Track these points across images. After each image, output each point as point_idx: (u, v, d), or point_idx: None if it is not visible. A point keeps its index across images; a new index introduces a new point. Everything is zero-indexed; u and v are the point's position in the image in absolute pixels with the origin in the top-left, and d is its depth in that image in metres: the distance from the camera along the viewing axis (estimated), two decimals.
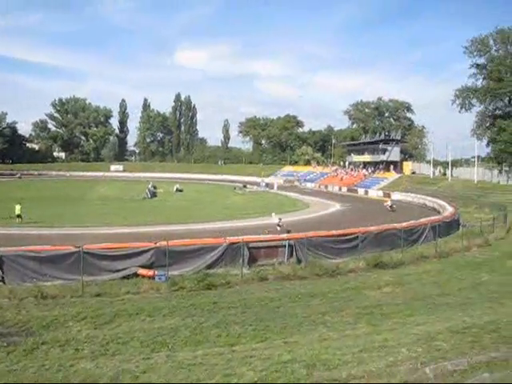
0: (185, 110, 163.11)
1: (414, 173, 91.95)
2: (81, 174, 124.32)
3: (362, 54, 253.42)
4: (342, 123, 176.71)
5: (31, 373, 10.84)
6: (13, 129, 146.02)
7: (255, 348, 12.38)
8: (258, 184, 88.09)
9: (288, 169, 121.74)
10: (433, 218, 35.77)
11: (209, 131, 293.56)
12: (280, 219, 37.82)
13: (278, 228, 35.68)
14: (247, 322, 15.06)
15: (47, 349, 12.70)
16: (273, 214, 41.87)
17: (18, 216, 36.79)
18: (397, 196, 69.83)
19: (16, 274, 19.68)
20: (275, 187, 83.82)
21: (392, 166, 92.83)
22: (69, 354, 12.29)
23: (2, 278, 19.54)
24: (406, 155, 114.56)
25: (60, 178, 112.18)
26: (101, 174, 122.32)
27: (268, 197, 69.48)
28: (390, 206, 55.10)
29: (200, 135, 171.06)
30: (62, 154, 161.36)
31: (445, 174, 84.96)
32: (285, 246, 24.21)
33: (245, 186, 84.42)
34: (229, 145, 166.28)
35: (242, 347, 12.60)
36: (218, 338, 13.58)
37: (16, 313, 16.13)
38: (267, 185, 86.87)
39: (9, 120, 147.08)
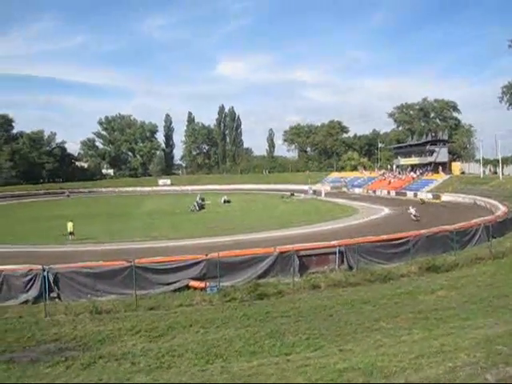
0: (229, 121, 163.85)
1: (463, 173, 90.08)
2: (129, 189, 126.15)
3: (402, 54, 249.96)
4: (387, 126, 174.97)
5: None
6: (62, 148, 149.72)
7: (310, 357, 12.23)
8: (305, 192, 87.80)
9: (335, 175, 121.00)
10: (485, 218, 34.84)
11: (254, 141, 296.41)
12: (416, 210, 45.40)
13: (414, 218, 43.64)
14: (301, 331, 14.97)
15: (104, 363, 12.91)
16: (410, 206, 48.51)
17: (71, 233, 37.52)
18: (447, 197, 68.77)
19: (71, 290, 20.10)
20: (323, 194, 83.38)
21: (440, 168, 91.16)
22: (125, 367, 12.45)
23: (58, 294, 19.96)
24: (455, 155, 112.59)
25: (109, 195, 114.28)
26: (149, 188, 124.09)
27: (316, 204, 69.14)
28: (421, 199, 57.54)
29: (245, 145, 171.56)
30: (111, 171, 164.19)
31: (495, 173, 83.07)
32: (335, 252, 24.00)
33: (292, 194, 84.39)
34: (274, 154, 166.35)
35: (296, 356, 12.48)
36: (273, 347, 13.53)
37: (72, 328, 16.48)
38: (315, 192, 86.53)
39: (58, 140, 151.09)
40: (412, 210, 45.46)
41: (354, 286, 21.52)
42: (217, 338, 14.76)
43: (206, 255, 21.65)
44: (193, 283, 20.76)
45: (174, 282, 20.78)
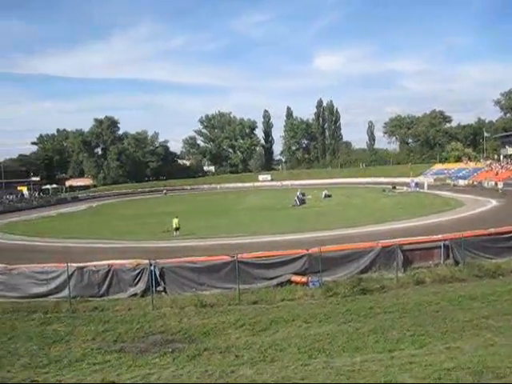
0: (328, 114, 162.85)
1: None
2: (230, 185, 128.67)
3: (506, 37, 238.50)
4: (493, 114, 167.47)
5: (196, 378, 11.28)
6: (165, 147, 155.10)
7: (415, 354, 11.94)
8: (407, 184, 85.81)
9: (438, 167, 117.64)
10: None
11: (353, 134, 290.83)
12: (503, 185, 55.75)
13: (500, 191, 55.42)
14: (405, 327, 14.62)
15: (209, 355, 13.18)
16: (498, 182, 58.85)
17: (177, 229, 38.61)
18: None
19: (176, 284, 20.69)
20: (425, 186, 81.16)
21: None
22: (229, 360, 12.66)
23: (164, 288, 20.60)
24: None
25: (211, 191, 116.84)
26: (250, 184, 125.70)
27: (419, 197, 67.36)
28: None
29: (345, 139, 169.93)
30: (212, 168, 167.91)
31: None
32: (440, 247, 23.26)
33: (394, 188, 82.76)
34: (375, 146, 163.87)
35: (401, 353, 12.21)
36: (376, 343, 13.29)
37: (178, 321, 16.98)
38: (417, 185, 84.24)
39: (161, 139, 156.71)
40: (500, 186, 58.08)
41: (461, 282, 20.72)
42: (319, 332, 14.69)
43: (308, 250, 21.61)
44: (295, 278, 20.76)
45: (276, 277, 20.87)
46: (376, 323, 15.34)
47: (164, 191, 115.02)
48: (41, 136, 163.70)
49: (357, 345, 13.30)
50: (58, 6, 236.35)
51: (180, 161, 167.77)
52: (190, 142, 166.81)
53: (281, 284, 20.66)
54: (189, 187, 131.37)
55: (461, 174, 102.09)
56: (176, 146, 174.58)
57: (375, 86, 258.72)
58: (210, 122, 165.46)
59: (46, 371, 12.40)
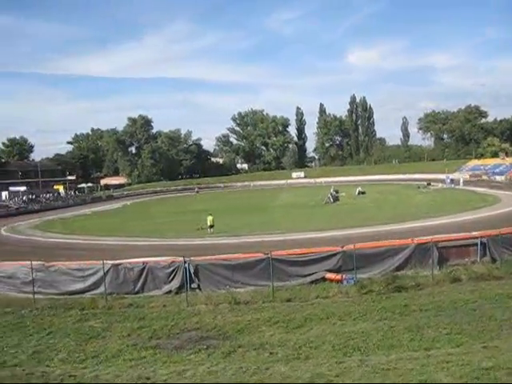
0: (361, 111, 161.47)
1: None
2: (264, 183, 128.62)
3: None
4: None
5: (230, 374, 11.32)
6: (198, 145, 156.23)
7: (451, 353, 11.77)
8: (442, 181, 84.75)
9: (474, 163, 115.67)
10: None
11: (387, 130, 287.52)
12: None
13: None
14: (441, 326, 14.43)
15: (243, 352, 13.22)
16: None
17: (211, 226, 38.77)
18: None
19: (210, 281, 20.78)
20: (461, 183, 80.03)
21: None
22: (264, 357, 12.68)
23: (199, 285, 20.72)
24: None
25: (244, 189, 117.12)
26: (283, 181, 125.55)
27: (454, 193, 66.54)
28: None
29: (378, 135, 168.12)
30: (245, 166, 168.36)
31: None
32: (477, 244, 22.89)
33: (429, 184, 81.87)
34: (409, 142, 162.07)
35: (437, 352, 12.05)
36: (411, 342, 13.15)
37: (213, 318, 17.07)
38: (452, 181, 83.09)
39: (194, 137, 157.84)
40: None
41: (498, 280, 20.34)
42: (354, 330, 14.60)
43: (342, 247, 21.50)
44: (329, 275, 20.67)
45: (310, 274, 20.81)
46: (411, 321, 15.20)
47: (196, 189, 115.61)
48: (76, 135, 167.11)
49: (392, 343, 13.20)
50: (90, 6, 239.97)
51: (213, 159, 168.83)
52: (223, 140, 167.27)
53: (315, 281, 20.58)
54: (222, 185, 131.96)
55: (497, 169, 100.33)
56: (209, 144, 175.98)
57: (409, 82, 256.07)
58: (242, 120, 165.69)
59: (83, 366, 12.61)
